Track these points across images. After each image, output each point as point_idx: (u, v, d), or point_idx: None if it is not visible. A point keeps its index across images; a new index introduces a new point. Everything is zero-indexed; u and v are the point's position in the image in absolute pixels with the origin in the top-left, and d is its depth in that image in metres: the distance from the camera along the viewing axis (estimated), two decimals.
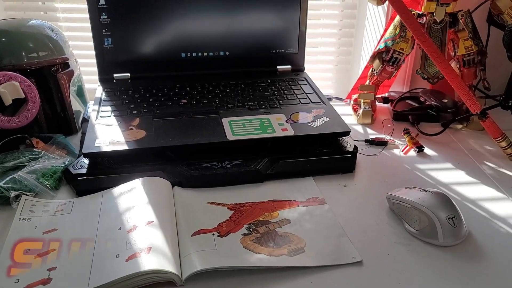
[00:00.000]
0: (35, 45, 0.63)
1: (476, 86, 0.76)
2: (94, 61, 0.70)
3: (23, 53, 0.62)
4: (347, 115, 0.77)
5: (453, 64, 0.73)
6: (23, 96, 0.59)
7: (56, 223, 0.47)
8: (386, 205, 0.51)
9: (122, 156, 0.55)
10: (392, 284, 0.41)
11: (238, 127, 0.59)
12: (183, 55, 0.73)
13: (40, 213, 0.49)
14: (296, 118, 0.62)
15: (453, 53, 0.71)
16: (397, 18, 0.71)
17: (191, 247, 0.43)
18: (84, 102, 0.74)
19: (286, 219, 0.49)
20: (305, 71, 0.77)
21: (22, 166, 0.54)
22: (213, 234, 0.45)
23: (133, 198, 0.49)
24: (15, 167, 0.54)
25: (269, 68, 0.76)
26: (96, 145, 0.54)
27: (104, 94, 0.67)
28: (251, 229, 0.46)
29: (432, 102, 0.75)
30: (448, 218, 0.45)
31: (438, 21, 0.68)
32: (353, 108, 0.78)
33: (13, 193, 0.50)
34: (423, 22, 0.69)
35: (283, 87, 0.71)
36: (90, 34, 0.69)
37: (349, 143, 0.61)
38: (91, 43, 0.69)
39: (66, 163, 0.56)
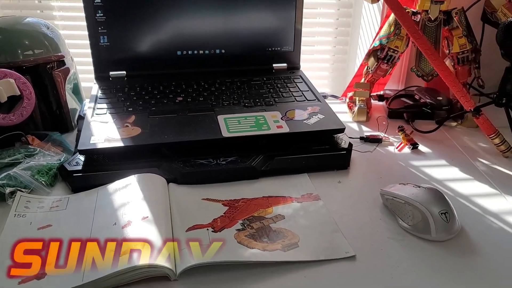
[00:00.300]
0: (30, 43, 0.64)
1: (471, 84, 0.76)
2: (91, 59, 0.70)
3: (19, 51, 0.62)
4: (343, 112, 0.78)
5: (448, 62, 0.73)
6: (19, 93, 0.59)
7: (51, 219, 0.47)
8: (380, 201, 0.52)
9: (117, 153, 0.55)
10: (385, 278, 0.41)
11: (233, 124, 0.59)
12: (179, 53, 0.73)
13: (35, 209, 0.49)
14: (291, 115, 0.62)
15: (448, 51, 0.72)
16: (392, 16, 0.71)
17: (185, 242, 0.43)
18: (81, 100, 0.74)
19: (280, 215, 0.49)
20: (301, 69, 0.78)
21: (17, 163, 0.54)
22: (207, 229, 0.45)
23: (128, 194, 0.49)
24: (11, 164, 0.54)
25: (265, 66, 0.76)
26: (91, 142, 0.54)
27: (100, 91, 0.67)
28: (245, 225, 0.47)
29: (427, 100, 0.76)
30: (441, 213, 0.45)
31: (433, 19, 0.69)
32: (348, 106, 0.78)
33: (8, 190, 0.50)
34: (418, 20, 0.70)
35: (278, 85, 0.71)
36: (86, 32, 0.69)
37: (344, 140, 0.61)
38: (88, 41, 0.69)
39: (61, 160, 0.56)
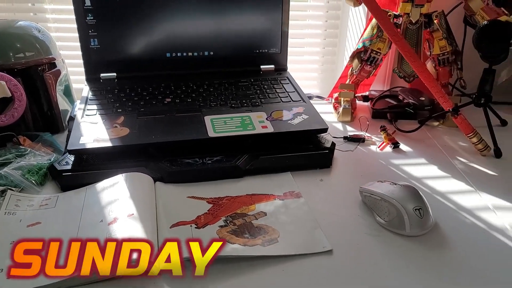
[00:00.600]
0: (22, 46, 0.65)
1: (454, 85, 0.78)
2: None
3: (10, 53, 0.64)
4: (328, 113, 0.80)
5: (429, 64, 0.75)
6: (10, 95, 0.61)
7: (40, 216, 0.49)
8: (359, 199, 0.54)
9: (106, 153, 0.57)
10: (360, 271, 0.43)
11: (220, 125, 0.61)
12: (168, 55, 0.75)
13: (25, 207, 0.50)
14: (276, 116, 0.64)
15: (429, 53, 0.74)
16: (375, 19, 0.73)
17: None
18: (72, 101, 0.76)
19: (262, 211, 0.51)
20: (288, 70, 0.79)
21: (8, 162, 0.56)
22: (191, 226, 0.47)
23: (116, 192, 0.51)
24: (1, 164, 0.56)
25: (253, 68, 0.78)
26: (81, 142, 0.56)
27: (90, 93, 0.69)
28: (228, 221, 0.48)
29: (410, 100, 0.78)
30: (415, 210, 0.47)
31: (414, 22, 0.71)
32: (334, 106, 0.80)
33: None
34: (400, 23, 0.71)
35: (265, 86, 0.73)
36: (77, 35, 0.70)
37: (327, 139, 0.63)
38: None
39: (51, 160, 0.58)
